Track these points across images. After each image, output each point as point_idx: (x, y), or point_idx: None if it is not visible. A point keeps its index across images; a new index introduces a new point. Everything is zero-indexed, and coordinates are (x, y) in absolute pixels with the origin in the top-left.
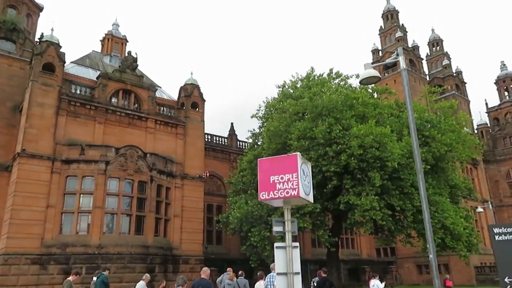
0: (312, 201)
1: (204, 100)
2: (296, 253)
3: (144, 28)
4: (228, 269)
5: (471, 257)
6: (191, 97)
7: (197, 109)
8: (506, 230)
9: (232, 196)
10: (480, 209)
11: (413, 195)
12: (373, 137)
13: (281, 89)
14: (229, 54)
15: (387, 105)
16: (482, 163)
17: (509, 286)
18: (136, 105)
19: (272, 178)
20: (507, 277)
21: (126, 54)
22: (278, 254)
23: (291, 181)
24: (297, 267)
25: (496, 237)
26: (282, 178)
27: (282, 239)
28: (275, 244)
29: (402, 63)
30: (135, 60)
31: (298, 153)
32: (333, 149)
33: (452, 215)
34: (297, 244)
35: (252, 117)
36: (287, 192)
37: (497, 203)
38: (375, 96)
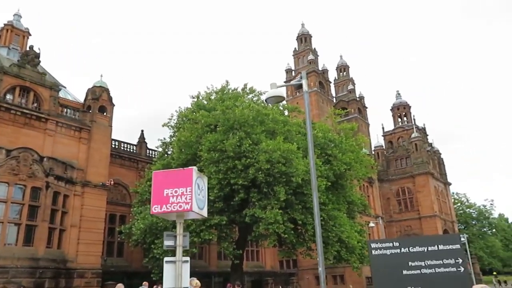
0: (205, 215)
1: (113, 105)
2: (186, 268)
3: (53, 25)
4: (144, 283)
5: (363, 269)
6: (99, 100)
7: (105, 114)
8: (382, 245)
9: (137, 206)
10: (372, 224)
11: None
12: (281, 153)
13: (195, 99)
14: (147, 63)
15: (295, 123)
16: (376, 182)
17: None
18: (36, 105)
19: (166, 191)
20: None
21: (28, 48)
22: (168, 269)
23: (185, 195)
24: (185, 282)
25: (373, 252)
26: (176, 191)
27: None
28: (165, 259)
29: (305, 86)
30: (37, 55)
31: (194, 167)
32: (242, 162)
33: (348, 230)
34: (187, 258)
35: (163, 125)
36: (180, 206)
37: (388, 218)
38: (286, 113)
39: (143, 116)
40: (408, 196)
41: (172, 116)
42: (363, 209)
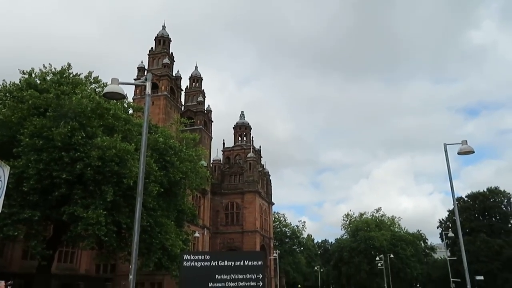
0: None
1: None
2: None
3: None
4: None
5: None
6: None
7: None
8: (193, 257)
9: None
10: (197, 234)
11: (142, 215)
12: (116, 151)
13: (26, 75)
14: None
15: (138, 123)
16: (209, 194)
17: None
18: None
19: None
20: None
21: None
22: None
23: None
24: None
25: (184, 263)
26: None
27: None
28: None
29: (148, 89)
30: None
31: None
32: (70, 155)
33: (173, 237)
34: None
35: None
36: None
37: (214, 230)
38: (130, 112)
39: None
40: (236, 210)
41: None
42: (192, 219)
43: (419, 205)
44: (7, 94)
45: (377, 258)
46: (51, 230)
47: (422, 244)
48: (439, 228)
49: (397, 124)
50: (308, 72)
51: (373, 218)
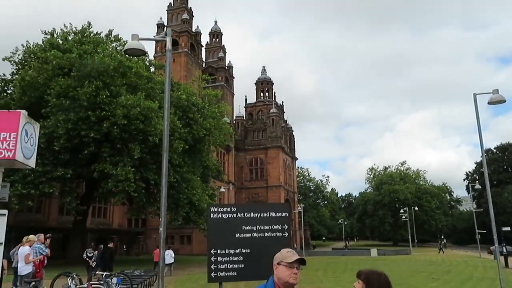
0: (33, 165)
1: None
2: (2, 222)
3: None
4: (38, 234)
5: None
6: None
7: None
8: (220, 209)
9: None
10: (222, 189)
11: (169, 172)
12: (140, 110)
13: (48, 36)
14: None
15: (160, 81)
16: (233, 150)
17: (213, 257)
18: None
19: None
20: (213, 249)
21: None
22: None
23: (8, 141)
24: (0, 237)
25: (211, 215)
26: None
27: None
28: None
29: (169, 44)
30: None
31: (23, 111)
32: (97, 114)
33: (199, 193)
34: (4, 212)
35: (4, 59)
36: (0, 153)
37: (239, 185)
38: (152, 70)
39: None
40: (260, 166)
41: (16, 50)
42: (217, 175)
43: (445, 158)
44: (32, 55)
45: (401, 211)
46: (84, 187)
47: (448, 197)
48: (466, 180)
49: (423, 75)
50: (331, 23)
51: (398, 171)
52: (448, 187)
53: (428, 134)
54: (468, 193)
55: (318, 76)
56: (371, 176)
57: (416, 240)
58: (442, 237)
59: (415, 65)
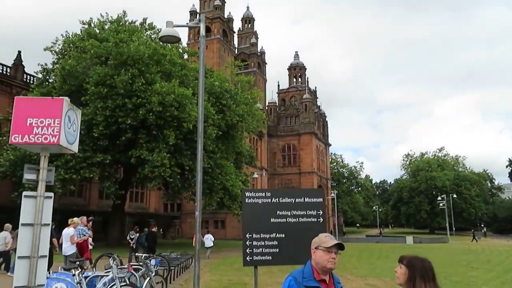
0: (76, 150)
1: None
2: (48, 204)
3: None
4: (81, 217)
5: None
6: None
7: None
8: (255, 194)
9: (8, 136)
10: (256, 175)
11: (203, 157)
12: (175, 97)
13: (86, 26)
14: None
15: (194, 68)
16: (266, 136)
17: (248, 241)
18: None
19: (30, 120)
20: (248, 233)
21: None
22: (27, 204)
23: (52, 127)
24: (46, 219)
25: (246, 200)
26: (41, 122)
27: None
28: (24, 193)
29: (202, 30)
30: None
31: (66, 97)
32: (133, 101)
33: (233, 178)
34: (51, 194)
35: (45, 49)
36: (46, 138)
37: (272, 171)
38: (185, 57)
39: (20, 37)
40: (293, 152)
41: (57, 40)
42: (250, 161)
43: (486, 144)
44: (71, 45)
45: (439, 198)
46: (122, 172)
47: (488, 184)
48: (509, 167)
49: (463, 58)
50: (364, 6)
51: (435, 157)
52: (489, 174)
53: (468, 119)
54: (511, 181)
55: (352, 61)
56: (407, 163)
57: (454, 229)
58: (482, 225)
59: (454, 47)
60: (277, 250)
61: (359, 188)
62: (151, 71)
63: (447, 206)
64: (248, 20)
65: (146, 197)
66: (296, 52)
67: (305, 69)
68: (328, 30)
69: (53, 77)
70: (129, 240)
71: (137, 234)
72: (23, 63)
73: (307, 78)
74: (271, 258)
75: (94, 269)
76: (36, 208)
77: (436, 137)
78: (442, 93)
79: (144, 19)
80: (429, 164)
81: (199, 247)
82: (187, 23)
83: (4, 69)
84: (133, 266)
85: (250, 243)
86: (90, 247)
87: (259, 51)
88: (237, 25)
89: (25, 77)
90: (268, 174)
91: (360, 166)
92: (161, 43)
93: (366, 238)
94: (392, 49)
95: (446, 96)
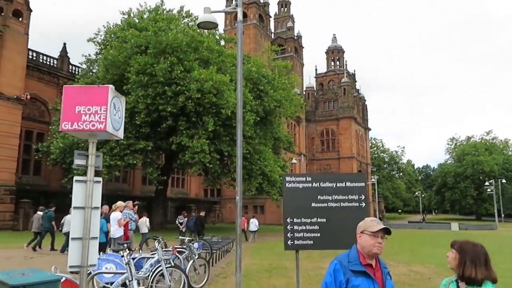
0: (121, 136)
1: (31, 10)
2: (97, 188)
3: None
4: (127, 201)
5: (282, 201)
6: (13, 2)
7: (20, 19)
8: (295, 179)
9: (57, 125)
10: (294, 161)
11: (241, 143)
12: (213, 83)
13: (125, 16)
14: None
15: (231, 54)
16: (304, 121)
17: (289, 225)
18: None
19: (78, 108)
20: (289, 218)
21: None
22: (78, 188)
23: (99, 114)
24: (96, 202)
25: (287, 184)
26: (89, 109)
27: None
28: (75, 178)
29: (240, 14)
30: None
31: (111, 85)
32: (172, 89)
33: (271, 164)
34: (99, 179)
35: (89, 41)
36: (93, 125)
37: (310, 156)
38: (222, 43)
39: (66, 29)
40: (331, 137)
41: (99, 32)
42: (288, 146)
43: None
44: (112, 36)
45: (487, 184)
46: (163, 158)
47: None
48: None
49: (508, 33)
50: None
51: (483, 141)
52: None
53: None
54: None
55: (391, 42)
56: (452, 147)
57: (503, 215)
58: None
59: (500, 25)
60: (318, 234)
61: (401, 173)
62: (189, 59)
63: (496, 191)
64: (284, 3)
65: (187, 183)
66: (334, 34)
67: (344, 52)
68: (366, 11)
69: (97, 67)
70: (178, 225)
71: (186, 219)
72: (68, 54)
73: (346, 61)
74: (312, 243)
75: (140, 251)
76: (86, 192)
77: (483, 120)
78: (489, 73)
79: (181, 7)
80: (476, 148)
81: (240, 230)
82: (224, 9)
83: (52, 61)
84: (177, 249)
85: (291, 227)
86: (146, 229)
87: (295, 35)
88: (273, 9)
89: (70, 68)
90: (307, 160)
91: (402, 150)
92: (198, 30)
93: (408, 224)
94: (432, 29)
95: (493, 77)
